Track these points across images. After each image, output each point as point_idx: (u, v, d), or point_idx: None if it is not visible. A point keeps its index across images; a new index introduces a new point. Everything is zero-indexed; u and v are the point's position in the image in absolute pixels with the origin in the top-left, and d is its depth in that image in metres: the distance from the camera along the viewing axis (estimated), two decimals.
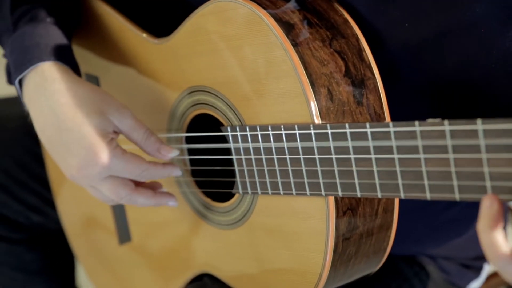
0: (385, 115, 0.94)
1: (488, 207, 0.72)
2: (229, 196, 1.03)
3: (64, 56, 1.05)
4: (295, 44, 0.91)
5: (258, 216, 0.99)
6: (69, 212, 1.36)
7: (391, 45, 0.96)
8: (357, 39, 0.95)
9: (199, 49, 1.02)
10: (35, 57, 1.02)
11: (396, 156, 0.80)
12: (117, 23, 1.13)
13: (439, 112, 0.97)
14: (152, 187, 1.06)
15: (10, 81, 1.09)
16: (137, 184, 1.04)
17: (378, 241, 0.96)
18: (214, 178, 1.07)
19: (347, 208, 0.92)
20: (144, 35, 1.10)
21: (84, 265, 1.37)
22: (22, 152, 1.38)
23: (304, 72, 0.90)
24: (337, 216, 0.91)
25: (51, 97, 1.01)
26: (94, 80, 1.20)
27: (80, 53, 1.21)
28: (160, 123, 1.11)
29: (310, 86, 0.90)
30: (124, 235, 1.22)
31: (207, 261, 1.10)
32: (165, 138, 1.11)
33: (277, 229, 0.97)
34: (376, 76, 0.95)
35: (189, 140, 1.09)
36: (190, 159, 1.09)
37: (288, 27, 0.92)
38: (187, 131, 1.08)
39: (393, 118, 0.95)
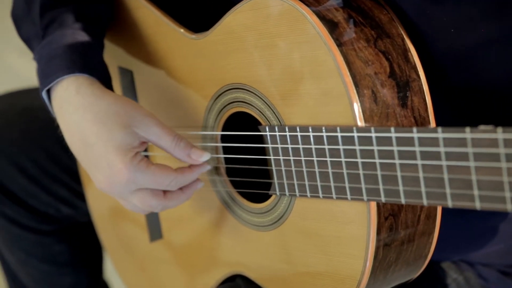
0: (430, 118, 0.91)
1: None
2: (265, 197, 1.01)
3: (90, 67, 1.03)
4: (339, 44, 0.88)
5: (295, 218, 0.97)
6: (99, 206, 1.34)
7: (436, 49, 0.93)
8: (402, 39, 0.92)
9: (237, 46, 0.99)
10: (60, 70, 1.01)
11: (444, 163, 0.77)
12: (153, 16, 1.11)
13: (483, 119, 0.94)
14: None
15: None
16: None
17: (419, 247, 0.93)
18: (249, 178, 1.04)
19: (389, 214, 0.89)
20: (181, 30, 1.08)
21: (113, 259, 1.35)
22: (53, 143, 1.36)
23: (348, 73, 0.87)
24: (379, 222, 0.88)
25: (75, 112, 1.00)
26: (128, 74, 1.18)
27: (114, 46, 1.19)
28: (195, 120, 1.09)
29: (354, 87, 0.87)
30: (155, 232, 1.20)
31: (240, 261, 1.07)
32: (199, 136, 1.08)
33: (315, 233, 0.95)
34: (421, 77, 0.91)
35: (224, 138, 1.06)
36: (225, 158, 1.07)
37: (332, 26, 0.89)
38: (223, 129, 1.06)
39: (436, 122, 0.92)
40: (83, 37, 1.05)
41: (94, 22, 1.09)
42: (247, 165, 1.04)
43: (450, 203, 0.78)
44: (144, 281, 1.29)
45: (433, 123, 0.91)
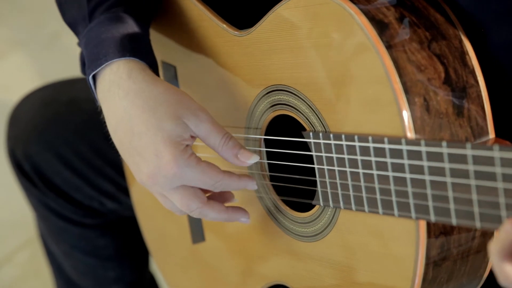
0: (488, 128, 0.84)
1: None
2: (309, 205, 0.95)
3: (141, 52, 0.97)
4: (388, 47, 0.81)
5: (340, 231, 0.91)
6: (143, 202, 1.30)
7: (494, 42, 0.85)
8: (460, 41, 0.84)
9: (282, 45, 0.93)
10: (111, 53, 0.95)
11: (501, 185, 0.69)
12: (196, 10, 1.05)
13: None
14: (225, 197, 0.99)
15: (84, 71, 1.02)
16: (209, 196, 0.97)
17: (473, 267, 0.86)
18: (293, 185, 0.98)
19: (440, 232, 0.82)
20: (224, 25, 1.02)
21: (154, 257, 1.31)
22: (98, 136, 1.32)
23: (398, 79, 0.80)
24: (429, 241, 0.81)
25: (125, 97, 0.94)
26: (171, 69, 1.13)
27: (158, 40, 1.14)
28: (238, 121, 1.03)
29: (403, 95, 0.80)
30: (197, 235, 1.15)
31: (282, 271, 1.02)
32: (242, 138, 1.02)
33: (360, 248, 0.88)
34: (480, 83, 0.84)
35: (268, 141, 1.00)
36: (269, 164, 1.01)
37: (381, 27, 0.82)
38: (266, 132, 1.00)
39: (496, 131, 0.84)
40: (131, 22, 0.99)
41: (142, 8, 1.03)
42: (292, 172, 0.98)
43: None
44: (185, 282, 1.24)
45: (491, 133, 0.84)
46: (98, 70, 0.96)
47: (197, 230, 1.16)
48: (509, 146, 0.69)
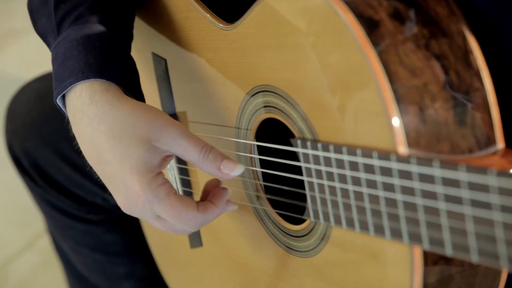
0: (496, 137, 0.73)
1: None
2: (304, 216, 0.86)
3: (107, 70, 0.88)
4: (378, 48, 0.71)
5: (333, 249, 0.82)
6: None
7: (510, 44, 0.75)
8: (464, 38, 0.74)
9: (268, 42, 0.83)
10: (73, 74, 0.87)
11: (500, 219, 0.59)
12: (183, 0, 0.96)
13: None
14: (217, 196, 0.90)
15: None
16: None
17: None
18: (284, 197, 0.89)
19: (439, 257, 0.72)
20: (211, 17, 0.92)
21: (157, 260, 1.24)
22: None
23: (387, 86, 0.70)
24: (425, 267, 0.72)
25: (89, 124, 0.86)
26: (162, 62, 1.04)
27: (148, 30, 1.05)
28: (228, 120, 0.94)
29: (394, 104, 0.70)
30: (195, 240, 1.08)
31: (278, 285, 0.93)
32: (233, 142, 0.94)
33: (353, 269, 0.79)
34: (486, 86, 0.73)
35: (260, 147, 0.91)
36: (263, 173, 0.92)
37: (370, 25, 0.72)
38: (258, 134, 0.91)
39: (509, 142, 0.74)
40: (102, 32, 0.90)
41: (116, 13, 0.93)
42: (285, 183, 0.89)
43: (507, 266, 0.61)
44: (187, 284, 1.17)
45: (500, 143, 0.74)
46: (63, 93, 0.88)
47: (194, 235, 1.08)
48: (508, 172, 0.58)
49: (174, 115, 1.05)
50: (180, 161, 1.05)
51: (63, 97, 0.90)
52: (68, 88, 0.87)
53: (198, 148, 0.84)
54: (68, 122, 0.91)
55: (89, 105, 0.86)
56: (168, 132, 0.84)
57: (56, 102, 0.90)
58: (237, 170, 0.85)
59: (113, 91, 0.87)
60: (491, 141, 0.73)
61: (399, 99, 0.70)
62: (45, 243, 1.93)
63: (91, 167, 0.90)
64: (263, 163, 0.91)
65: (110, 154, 0.84)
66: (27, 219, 2.03)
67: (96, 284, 1.39)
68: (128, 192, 0.84)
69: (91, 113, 0.86)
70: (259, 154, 0.91)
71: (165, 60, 1.04)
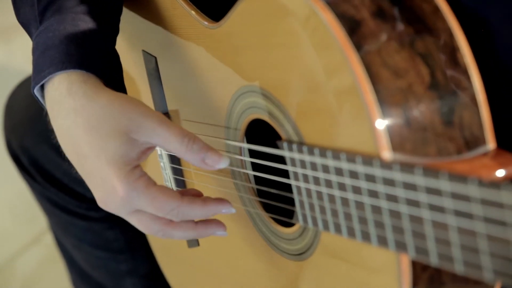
0: (486, 137, 0.71)
1: None
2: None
3: (88, 61, 0.85)
4: (360, 49, 0.68)
5: (322, 253, 0.80)
6: None
7: (501, 44, 0.72)
8: (451, 35, 0.71)
9: (252, 41, 0.81)
10: (53, 65, 0.84)
11: (483, 230, 0.57)
12: None
13: None
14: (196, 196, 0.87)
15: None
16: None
17: None
18: (273, 200, 0.87)
19: (428, 263, 0.70)
20: (196, 15, 0.90)
21: (158, 258, 1.23)
22: None
23: (369, 88, 0.67)
24: (414, 275, 0.70)
25: (67, 117, 0.83)
26: (152, 60, 1.02)
27: (138, 27, 1.03)
28: (218, 119, 0.92)
29: (377, 107, 0.67)
30: (192, 240, 1.06)
31: (271, 286, 0.92)
32: (223, 144, 0.91)
33: (344, 274, 0.77)
34: (474, 84, 0.71)
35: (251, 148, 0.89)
36: (255, 176, 0.89)
37: (352, 25, 0.69)
38: (247, 135, 0.89)
39: (500, 142, 0.71)
40: (86, 23, 0.87)
41: (102, 4, 0.91)
42: (275, 186, 0.87)
43: (491, 278, 0.58)
44: (185, 285, 1.16)
45: (490, 143, 0.71)
46: (41, 84, 0.86)
47: None
48: (488, 182, 0.56)
49: (166, 114, 1.03)
50: (174, 161, 1.03)
51: (42, 89, 0.87)
52: (47, 78, 0.84)
53: (179, 137, 0.80)
54: (46, 114, 0.88)
55: (66, 97, 0.83)
56: (147, 122, 0.81)
57: (34, 93, 0.88)
58: (222, 163, 0.82)
59: (91, 82, 0.84)
60: (481, 141, 0.70)
61: (382, 102, 0.67)
62: (51, 238, 1.93)
63: (69, 162, 0.88)
64: (255, 165, 0.89)
65: (87, 147, 0.81)
66: (34, 214, 2.03)
67: (99, 280, 1.38)
68: (105, 186, 0.81)
69: (68, 106, 0.83)
70: (250, 154, 0.89)
71: (155, 58, 1.01)
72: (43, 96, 0.87)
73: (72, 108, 0.82)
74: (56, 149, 1.25)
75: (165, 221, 0.83)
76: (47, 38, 0.85)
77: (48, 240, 1.93)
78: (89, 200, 1.29)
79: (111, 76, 0.86)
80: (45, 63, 0.84)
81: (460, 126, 0.70)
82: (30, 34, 0.92)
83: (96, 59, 0.85)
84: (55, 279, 1.85)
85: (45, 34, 0.86)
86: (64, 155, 1.26)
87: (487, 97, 0.71)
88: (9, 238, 2.01)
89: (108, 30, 0.89)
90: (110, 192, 0.80)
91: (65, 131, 0.84)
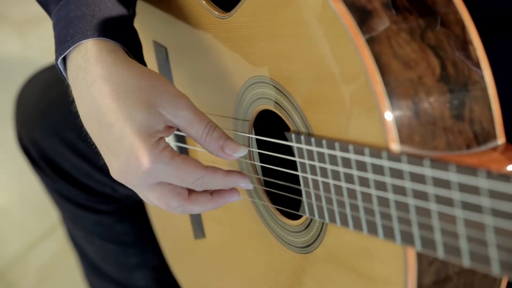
0: (497, 132, 0.70)
1: None
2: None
3: (113, 31, 0.84)
4: (370, 39, 0.67)
5: (328, 247, 0.79)
6: None
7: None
8: (463, 27, 0.70)
9: (261, 32, 0.80)
10: (79, 33, 0.83)
11: (491, 222, 0.56)
12: None
13: None
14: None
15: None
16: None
17: None
18: (281, 191, 0.86)
19: (434, 257, 0.69)
20: (207, 4, 0.89)
21: (164, 250, 1.22)
22: None
23: (380, 79, 0.67)
24: (420, 268, 0.69)
25: (92, 84, 0.82)
26: (162, 50, 1.02)
27: (149, 18, 1.02)
28: (227, 111, 0.91)
29: (386, 98, 0.67)
30: (198, 231, 1.06)
31: (277, 280, 0.91)
32: (232, 133, 0.91)
33: (350, 267, 0.77)
34: (485, 78, 0.70)
35: (259, 139, 0.89)
36: (262, 167, 0.89)
37: (363, 15, 0.68)
38: (256, 126, 0.88)
39: (509, 138, 0.70)
40: None
41: None
42: (283, 177, 0.86)
43: (497, 272, 0.57)
44: (191, 276, 1.16)
45: (500, 138, 0.70)
46: (66, 53, 0.84)
47: (197, 226, 1.06)
48: (498, 175, 0.55)
49: None
50: (178, 148, 1.03)
51: (64, 61, 0.86)
52: (74, 46, 0.83)
53: (203, 123, 0.80)
54: (68, 86, 0.87)
55: (94, 64, 0.82)
56: (175, 102, 0.80)
57: (57, 65, 0.86)
58: (240, 151, 0.82)
59: (120, 53, 0.83)
60: (490, 136, 0.70)
61: (392, 93, 0.67)
62: (64, 231, 1.94)
63: (87, 132, 0.85)
64: (262, 156, 0.89)
65: (113, 116, 0.80)
66: (47, 206, 2.03)
67: (109, 273, 1.38)
68: (129, 156, 0.79)
69: (95, 73, 0.81)
70: (258, 145, 0.89)
71: (166, 48, 1.01)
72: (65, 69, 0.86)
73: (99, 75, 0.81)
74: (66, 142, 1.25)
75: (184, 197, 0.82)
76: (69, 10, 0.85)
77: (61, 233, 1.93)
78: (98, 194, 1.28)
79: (135, 52, 0.86)
80: (70, 33, 0.83)
81: (470, 120, 0.69)
82: (49, 12, 0.91)
83: (121, 32, 0.84)
84: (68, 271, 1.85)
85: (67, 7, 0.85)
86: (73, 148, 1.26)
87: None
88: (23, 231, 2.01)
89: (128, 9, 0.89)
90: (132, 163, 0.79)
91: (89, 99, 0.82)
